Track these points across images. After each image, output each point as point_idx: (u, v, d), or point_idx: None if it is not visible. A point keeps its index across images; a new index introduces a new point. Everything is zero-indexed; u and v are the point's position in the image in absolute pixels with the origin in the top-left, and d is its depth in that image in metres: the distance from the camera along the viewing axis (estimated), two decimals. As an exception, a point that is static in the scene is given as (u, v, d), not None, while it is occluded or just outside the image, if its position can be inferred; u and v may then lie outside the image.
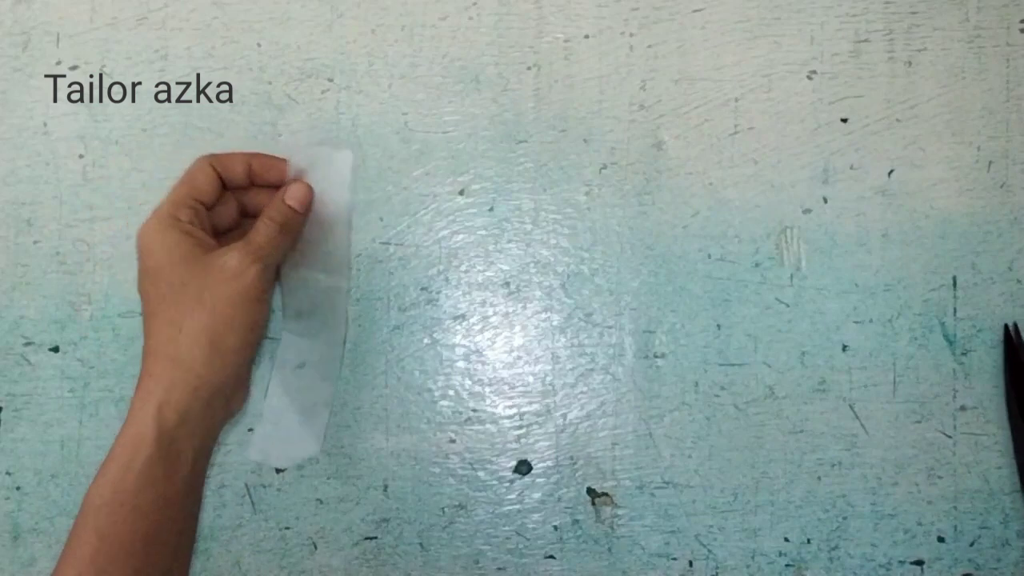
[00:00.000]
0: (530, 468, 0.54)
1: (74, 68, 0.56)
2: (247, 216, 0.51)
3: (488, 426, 0.55)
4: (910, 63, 0.55)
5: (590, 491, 0.54)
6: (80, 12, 0.56)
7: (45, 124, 0.55)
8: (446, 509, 0.54)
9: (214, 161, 0.48)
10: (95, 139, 0.55)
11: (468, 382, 0.55)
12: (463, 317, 0.55)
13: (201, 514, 0.54)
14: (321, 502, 0.54)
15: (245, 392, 0.51)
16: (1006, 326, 0.54)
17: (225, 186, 0.49)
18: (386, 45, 0.56)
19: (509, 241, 0.55)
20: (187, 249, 0.45)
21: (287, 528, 0.54)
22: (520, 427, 0.54)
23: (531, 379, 0.55)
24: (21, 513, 0.54)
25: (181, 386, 0.44)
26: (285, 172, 0.50)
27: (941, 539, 0.53)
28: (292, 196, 0.48)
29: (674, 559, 0.54)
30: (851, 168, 0.55)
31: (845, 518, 0.54)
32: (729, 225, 0.55)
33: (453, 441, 0.54)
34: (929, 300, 0.54)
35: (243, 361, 0.47)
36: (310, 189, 0.49)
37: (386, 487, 0.54)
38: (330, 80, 0.55)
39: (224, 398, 0.47)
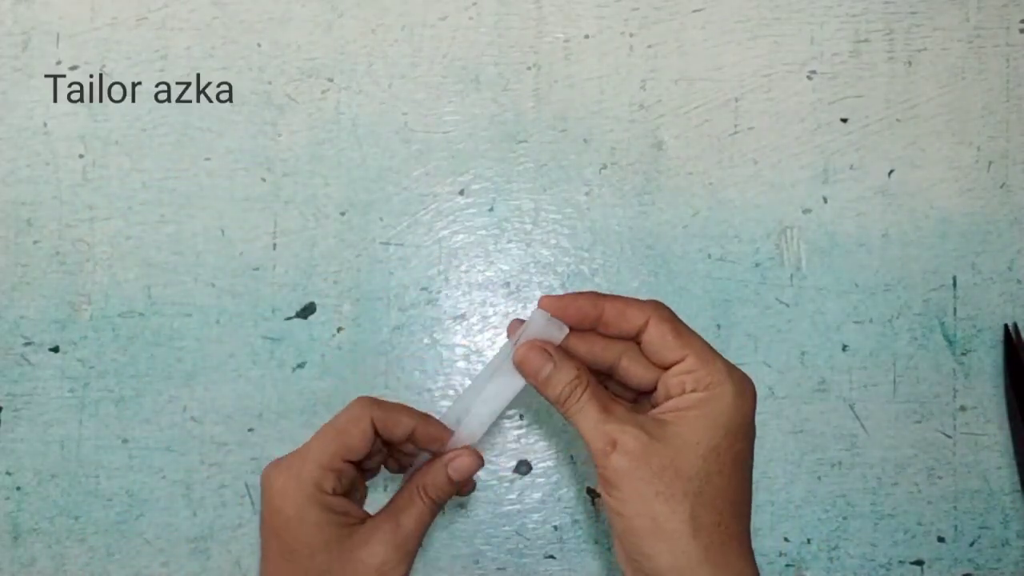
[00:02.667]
0: (530, 468, 0.54)
1: (74, 68, 0.56)
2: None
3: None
4: (910, 63, 0.55)
5: (590, 491, 0.54)
6: (80, 12, 0.56)
7: (45, 124, 0.55)
8: (446, 509, 0.54)
9: (375, 414, 0.40)
10: (95, 139, 0.55)
11: (468, 382, 0.55)
12: (463, 317, 0.55)
13: (201, 513, 0.54)
14: (321, 502, 0.54)
15: None
16: (1006, 326, 0.54)
17: (381, 441, 0.42)
18: (386, 45, 0.56)
19: (509, 241, 0.55)
20: (331, 533, 0.39)
21: (287, 528, 0.54)
22: (520, 427, 0.54)
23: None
24: (21, 513, 0.54)
25: None
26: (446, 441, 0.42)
27: (941, 539, 0.53)
28: (457, 469, 0.41)
29: (674, 559, 0.54)
30: (851, 168, 0.55)
31: (845, 518, 0.54)
32: (729, 225, 0.55)
33: (453, 441, 0.54)
34: (929, 300, 0.54)
35: None
36: (479, 462, 0.41)
37: (386, 487, 0.54)
38: (330, 80, 0.55)
39: None
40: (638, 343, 0.39)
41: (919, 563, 0.53)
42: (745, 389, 0.38)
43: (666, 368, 0.38)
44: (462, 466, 0.41)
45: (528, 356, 0.39)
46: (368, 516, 0.41)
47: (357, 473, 0.41)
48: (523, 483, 0.54)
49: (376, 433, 0.40)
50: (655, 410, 0.38)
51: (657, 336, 0.38)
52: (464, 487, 0.42)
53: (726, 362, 0.38)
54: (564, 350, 0.39)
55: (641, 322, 0.38)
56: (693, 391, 0.37)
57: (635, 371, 0.39)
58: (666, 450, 0.36)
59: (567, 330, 0.39)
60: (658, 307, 0.39)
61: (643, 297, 0.39)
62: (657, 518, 0.36)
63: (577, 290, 0.43)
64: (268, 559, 0.39)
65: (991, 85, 0.55)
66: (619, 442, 0.36)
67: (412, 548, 0.40)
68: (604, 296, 0.39)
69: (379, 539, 0.39)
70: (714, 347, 0.38)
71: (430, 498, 0.40)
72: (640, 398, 0.40)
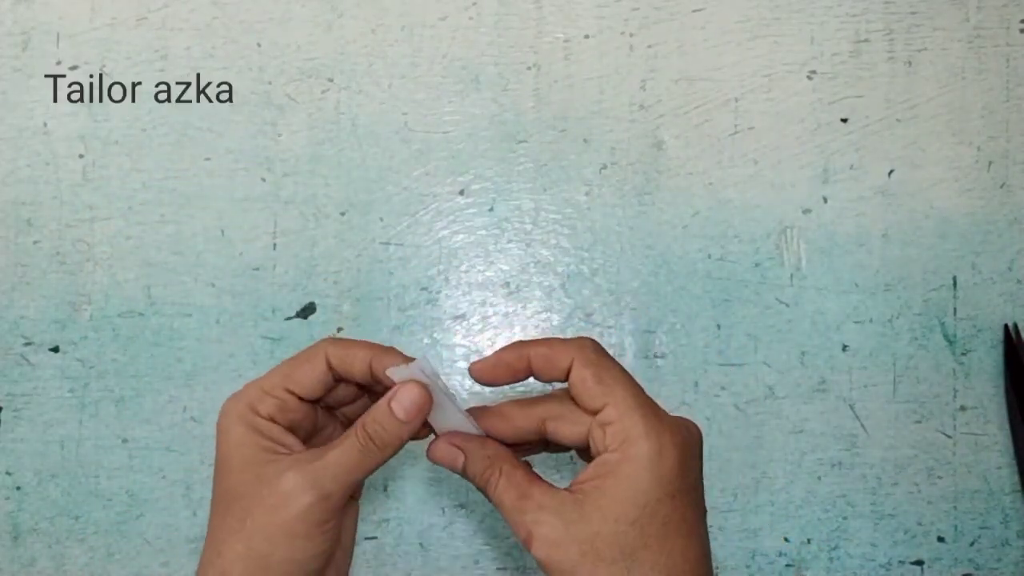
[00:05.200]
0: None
1: (74, 68, 0.56)
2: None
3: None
4: (910, 63, 0.55)
5: (590, 491, 0.54)
6: (80, 12, 0.56)
7: (45, 124, 0.55)
8: (446, 509, 0.54)
9: (331, 349, 0.39)
10: (95, 139, 0.55)
11: (468, 382, 0.54)
12: (463, 317, 0.55)
13: (201, 513, 0.54)
14: (321, 502, 0.54)
15: None
16: (1006, 326, 0.54)
17: (341, 378, 0.40)
18: (386, 45, 0.56)
19: (509, 241, 0.55)
20: (251, 453, 0.37)
21: (287, 528, 0.54)
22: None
23: (531, 379, 0.55)
24: (21, 513, 0.54)
25: None
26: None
27: (941, 539, 0.53)
28: (400, 401, 0.37)
29: (674, 559, 0.54)
30: (851, 168, 0.55)
31: (845, 518, 0.54)
32: (729, 225, 0.55)
33: (453, 441, 0.54)
34: (929, 300, 0.54)
35: None
36: (425, 395, 0.37)
37: (386, 487, 0.54)
38: (330, 80, 0.55)
39: None
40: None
41: (919, 563, 0.53)
42: (665, 445, 0.35)
43: (594, 415, 0.36)
44: (405, 398, 0.37)
45: (439, 452, 0.38)
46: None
47: (312, 411, 0.40)
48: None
49: (334, 371, 0.39)
50: (577, 479, 0.36)
51: (579, 382, 0.36)
52: (422, 431, 0.39)
53: (647, 412, 0.35)
54: (483, 435, 0.38)
55: (567, 365, 0.37)
56: (610, 450, 0.35)
57: (563, 432, 0.38)
58: (584, 532, 0.34)
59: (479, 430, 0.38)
60: (582, 347, 0.37)
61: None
62: None
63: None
64: (213, 481, 0.39)
65: (991, 85, 0.55)
66: (534, 534, 0.35)
67: (330, 487, 0.36)
68: (529, 344, 0.38)
69: (295, 467, 0.36)
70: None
71: (366, 433, 0.37)
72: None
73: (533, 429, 0.38)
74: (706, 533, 0.37)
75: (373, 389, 0.41)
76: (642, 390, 0.37)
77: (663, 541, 0.34)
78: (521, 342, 0.38)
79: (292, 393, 0.39)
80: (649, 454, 0.34)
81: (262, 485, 0.36)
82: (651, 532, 0.34)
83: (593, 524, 0.34)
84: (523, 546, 0.36)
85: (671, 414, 0.37)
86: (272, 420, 0.38)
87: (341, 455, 0.37)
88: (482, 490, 0.38)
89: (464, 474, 0.38)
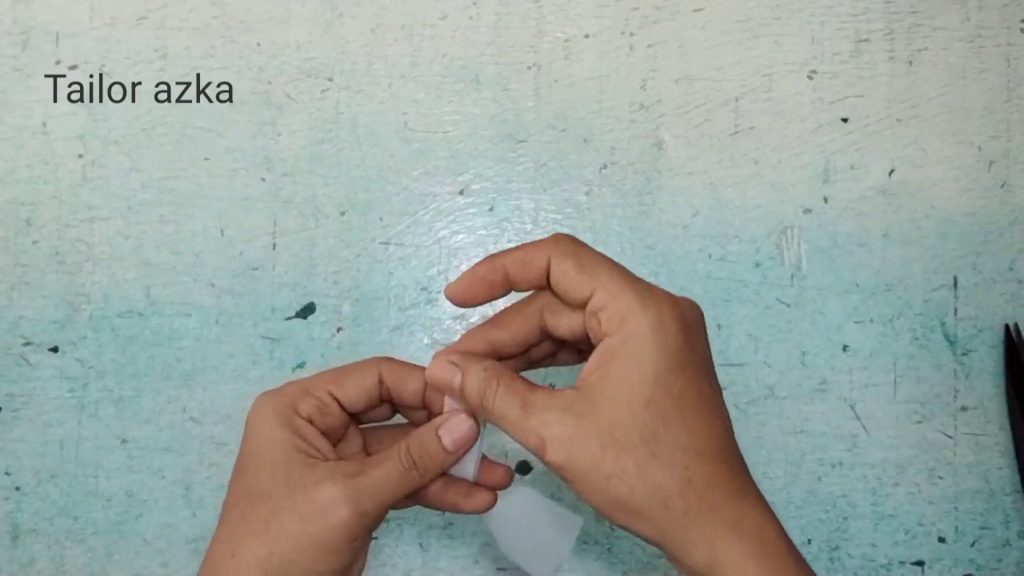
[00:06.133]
0: (530, 468, 0.54)
1: (74, 68, 0.56)
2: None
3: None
4: (911, 63, 0.55)
5: (590, 491, 0.54)
6: (79, 12, 0.56)
7: (45, 124, 0.55)
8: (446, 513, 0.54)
9: (385, 366, 0.38)
10: (95, 139, 0.55)
11: (468, 382, 0.54)
12: (463, 317, 0.55)
13: (200, 513, 0.54)
14: (321, 502, 0.54)
15: None
16: (1007, 326, 0.54)
17: (391, 400, 0.39)
18: (386, 45, 0.56)
19: (509, 241, 0.55)
20: (284, 454, 0.35)
21: (287, 528, 0.54)
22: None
23: (531, 379, 0.54)
24: (20, 513, 0.54)
25: None
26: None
27: (942, 539, 0.53)
28: (449, 430, 0.36)
29: (674, 560, 0.54)
30: (852, 168, 0.55)
31: (846, 518, 0.54)
32: (729, 225, 0.55)
33: (453, 441, 0.54)
34: (930, 300, 0.54)
35: None
36: (474, 428, 0.37)
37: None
38: (330, 80, 0.55)
39: None
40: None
41: (920, 564, 0.53)
42: (664, 316, 0.33)
43: (582, 308, 0.35)
44: (454, 428, 0.36)
45: (435, 373, 0.37)
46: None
47: (347, 423, 0.39)
48: (523, 483, 0.54)
49: (385, 389, 0.38)
50: (581, 375, 0.34)
51: (560, 276, 0.34)
52: (496, 478, 0.38)
53: (639, 288, 0.34)
54: (475, 352, 0.36)
55: (545, 263, 0.35)
56: (609, 334, 0.33)
57: (562, 325, 0.36)
58: (599, 424, 0.32)
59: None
60: (558, 241, 0.35)
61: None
62: (620, 500, 0.32)
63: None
64: (232, 476, 0.38)
65: (992, 85, 0.55)
66: (546, 437, 0.33)
67: (368, 505, 0.35)
68: (503, 254, 0.36)
69: (335, 478, 0.35)
70: (631, 271, 0.34)
71: (410, 457, 0.36)
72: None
73: (533, 329, 0.37)
74: (726, 409, 0.35)
75: (411, 414, 0.40)
76: (628, 271, 0.35)
77: (682, 418, 0.33)
78: (494, 254, 0.36)
79: (335, 399, 0.37)
80: (651, 326, 0.32)
81: (295, 490, 0.35)
82: (668, 410, 0.32)
83: (606, 413, 0.32)
84: (536, 455, 0.33)
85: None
86: (310, 421, 0.37)
87: (382, 475, 0.36)
88: (480, 408, 0.36)
89: (462, 393, 0.36)
